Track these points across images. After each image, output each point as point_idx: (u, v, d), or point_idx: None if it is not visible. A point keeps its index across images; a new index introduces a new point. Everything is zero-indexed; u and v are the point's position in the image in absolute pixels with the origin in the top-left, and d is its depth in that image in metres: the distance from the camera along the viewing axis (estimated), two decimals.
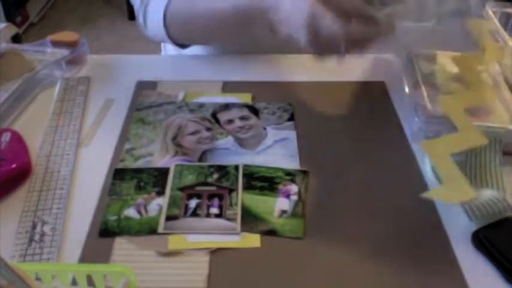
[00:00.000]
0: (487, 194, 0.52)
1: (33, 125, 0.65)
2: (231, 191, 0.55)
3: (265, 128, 0.64)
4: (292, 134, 0.63)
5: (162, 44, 1.00)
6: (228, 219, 0.52)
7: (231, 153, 0.60)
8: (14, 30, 0.74)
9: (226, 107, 0.67)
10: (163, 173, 0.57)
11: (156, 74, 0.73)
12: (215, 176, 0.57)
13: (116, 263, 0.48)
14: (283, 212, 0.53)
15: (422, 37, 0.74)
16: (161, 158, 0.59)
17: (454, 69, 0.68)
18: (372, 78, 0.74)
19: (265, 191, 0.55)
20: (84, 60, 0.76)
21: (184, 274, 0.47)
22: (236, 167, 0.58)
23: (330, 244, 0.50)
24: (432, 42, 0.75)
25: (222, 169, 0.57)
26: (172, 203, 0.54)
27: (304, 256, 0.49)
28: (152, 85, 0.71)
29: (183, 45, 0.78)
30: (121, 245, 0.50)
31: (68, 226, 0.52)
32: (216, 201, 0.54)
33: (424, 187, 0.56)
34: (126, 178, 0.57)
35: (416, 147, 0.61)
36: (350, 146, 0.62)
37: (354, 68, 0.75)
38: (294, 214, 0.53)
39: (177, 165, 0.58)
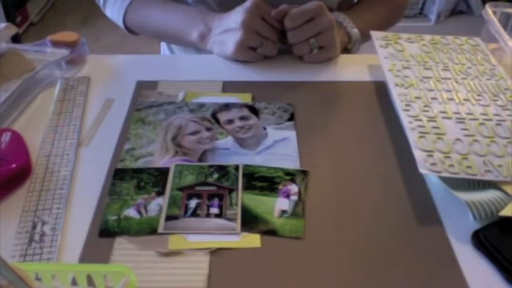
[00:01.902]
0: (491, 194, 0.52)
1: (33, 125, 0.65)
2: (231, 191, 0.55)
3: (265, 128, 0.64)
4: (292, 134, 0.63)
5: (162, 44, 1.00)
6: (228, 219, 0.52)
7: (231, 153, 0.60)
8: (14, 30, 0.74)
9: (226, 107, 0.67)
10: (163, 173, 0.57)
11: (156, 74, 0.73)
12: (215, 176, 0.57)
13: (116, 263, 0.48)
14: (283, 212, 0.53)
15: None
16: (161, 158, 0.59)
17: None
18: (372, 78, 0.74)
19: (265, 191, 0.55)
20: (84, 60, 0.76)
21: (184, 274, 0.47)
22: (236, 167, 0.58)
23: (330, 244, 0.50)
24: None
25: (222, 169, 0.57)
26: (172, 203, 0.54)
27: (304, 256, 0.49)
28: (152, 85, 0.71)
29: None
30: (121, 245, 0.50)
31: (68, 226, 0.52)
32: (216, 201, 0.54)
33: (425, 188, 0.56)
34: (126, 178, 0.57)
35: None
36: (350, 146, 0.62)
37: (354, 68, 0.75)
38: (294, 214, 0.53)
39: (177, 165, 0.58)
